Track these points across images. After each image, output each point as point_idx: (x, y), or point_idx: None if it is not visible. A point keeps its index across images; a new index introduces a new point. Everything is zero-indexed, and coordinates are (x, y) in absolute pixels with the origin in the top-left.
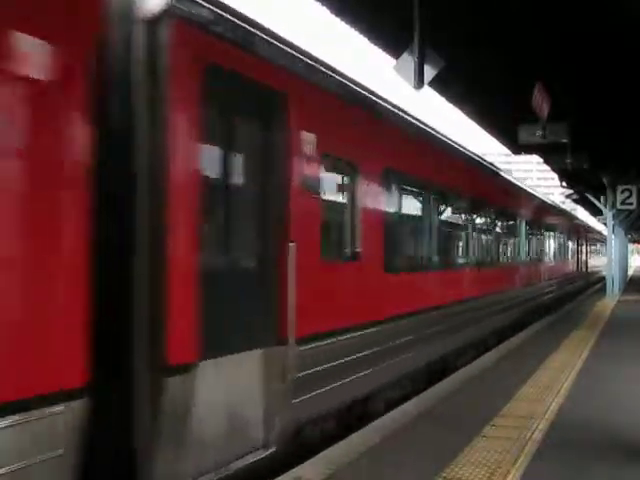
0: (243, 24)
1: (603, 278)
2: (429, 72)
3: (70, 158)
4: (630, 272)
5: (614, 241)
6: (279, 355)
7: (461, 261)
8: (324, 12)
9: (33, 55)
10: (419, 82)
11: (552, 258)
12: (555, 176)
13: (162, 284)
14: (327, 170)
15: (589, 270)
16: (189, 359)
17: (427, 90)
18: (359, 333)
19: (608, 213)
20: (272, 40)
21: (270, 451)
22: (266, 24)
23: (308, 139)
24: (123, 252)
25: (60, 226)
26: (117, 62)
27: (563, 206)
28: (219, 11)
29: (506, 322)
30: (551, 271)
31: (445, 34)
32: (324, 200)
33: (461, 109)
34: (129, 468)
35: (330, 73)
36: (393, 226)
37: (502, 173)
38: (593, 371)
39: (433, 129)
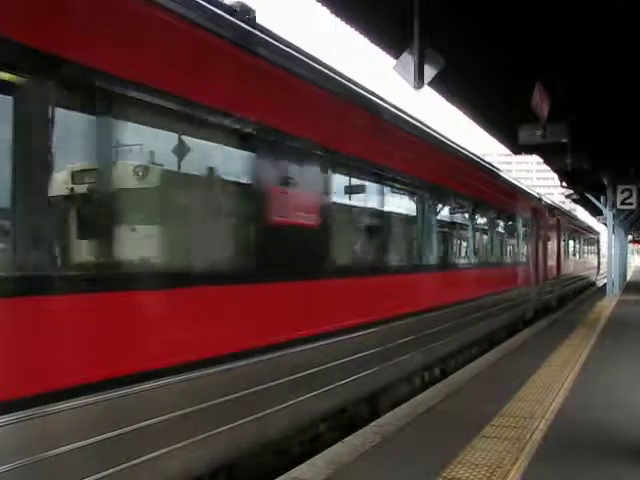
0: None
1: (588, 286)
2: (429, 72)
3: None
4: (630, 272)
5: (614, 241)
6: None
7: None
8: (324, 12)
9: None
10: (419, 82)
11: (479, 262)
12: (555, 176)
13: None
14: None
15: (562, 276)
16: None
17: (427, 90)
18: None
19: (608, 213)
20: None
21: None
22: None
23: None
24: None
25: None
26: None
27: (509, 177)
28: None
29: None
30: (477, 284)
31: (445, 34)
32: None
33: (461, 109)
34: None
35: None
36: None
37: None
38: (593, 371)
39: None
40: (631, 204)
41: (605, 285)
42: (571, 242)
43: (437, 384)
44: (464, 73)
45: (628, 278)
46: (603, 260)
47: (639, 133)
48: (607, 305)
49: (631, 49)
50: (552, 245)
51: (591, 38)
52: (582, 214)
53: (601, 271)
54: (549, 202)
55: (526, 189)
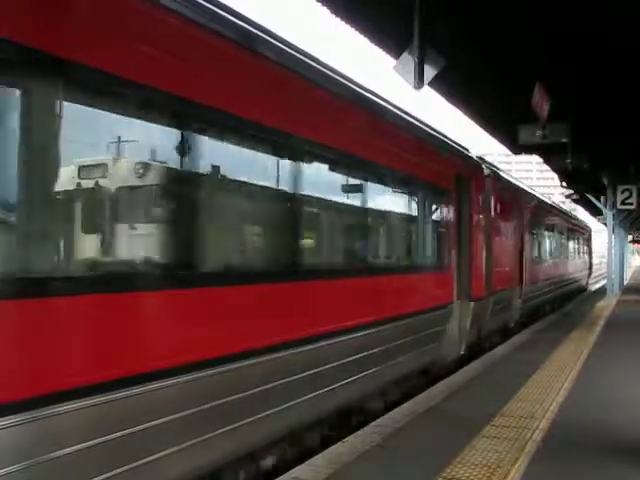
0: None
1: (577, 293)
2: (429, 72)
3: None
4: (630, 273)
5: (614, 241)
6: None
7: None
8: (324, 12)
9: None
10: (419, 82)
11: (321, 269)
12: (555, 176)
13: None
14: None
15: (530, 284)
16: None
17: (427, 90)
18: None
19: (608, 213)
20: None
21: None
22: None
23: None
24: None
25: None
26: None
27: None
28: None
29: None
30: (318, 312)
31: (445, 34)
32: None
33: (461, 109)
34: None
35: None
36: None
37: None
38: (593, 371)
39: None
40: (631, 204)
41: (599, 289)
42: (547, 237)
43: (437, 384)
44: (464, 73)
45: (627, 280)
46: (602, 260)
47: (639, 133)
48: (607, 305)
49: (631, 49)
50: (509, 240)
51: (591, 38)
52: (582, 214)
53: (595, 273)
54: (501, 174)
55: (446, 140)
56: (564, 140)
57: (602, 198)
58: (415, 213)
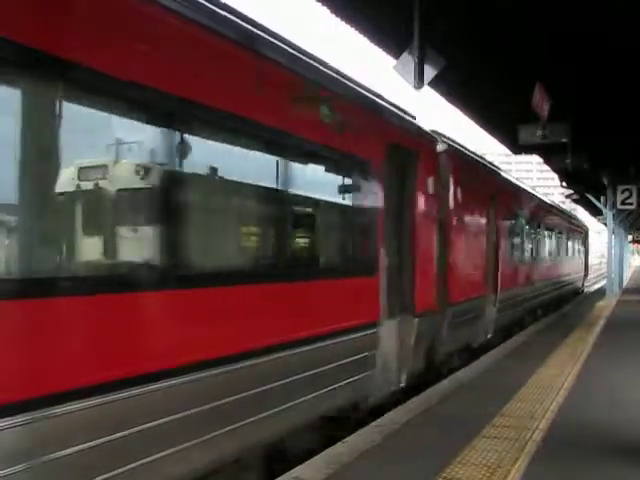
0: None
1: (571, 296)
2: (429, 72)
3: None
4: (630, 272)
5: (614, 241)
6: None
7: None
8: (324, 12)
9: None
10: (419, 82)
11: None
12: (555, 176)
13: None
14: None
15: (507, 291)
16: None
17: (427, 90)
18: None
19: (608, 213)
20: None
21: None
22: None
23: None
24: None
25: None
26: None
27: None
28: None
29: None
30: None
31: (445, 34)
32: None
33: (461, 109)
34: None
35: None
36: None
37: None
38: (593, 371)
39: None
40: (631, 204)
41: (598, 290)
42: (533, 235)
43: (437, 384)
44: (464, 73)
45: (627, 280)
46: (602, 260)
47: (639, 133)
48: (607, 305)
49: (631, 49)
50: (480, 237)
51: (591, 38)
52: (582, 214)
53: (594, 274)
54: (466, 152)
55: (370, 96)
56: (564, 140)
57: (602, 198)
58: (304, 192)
